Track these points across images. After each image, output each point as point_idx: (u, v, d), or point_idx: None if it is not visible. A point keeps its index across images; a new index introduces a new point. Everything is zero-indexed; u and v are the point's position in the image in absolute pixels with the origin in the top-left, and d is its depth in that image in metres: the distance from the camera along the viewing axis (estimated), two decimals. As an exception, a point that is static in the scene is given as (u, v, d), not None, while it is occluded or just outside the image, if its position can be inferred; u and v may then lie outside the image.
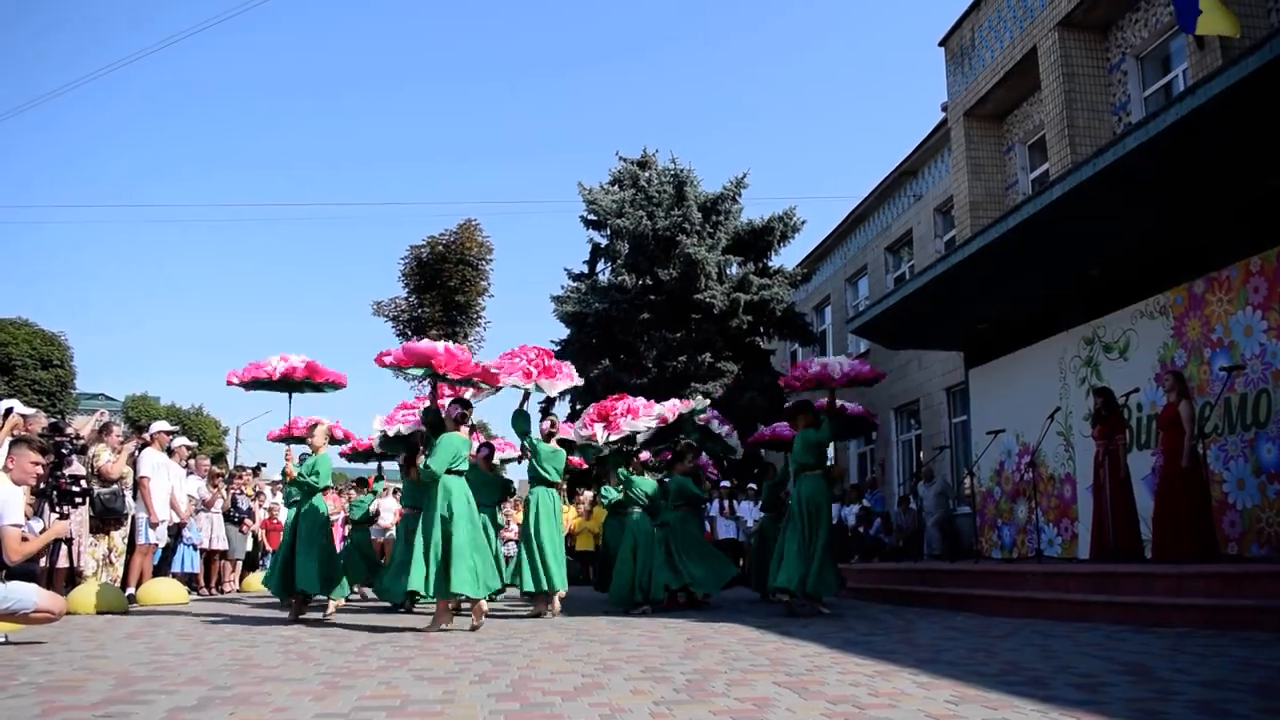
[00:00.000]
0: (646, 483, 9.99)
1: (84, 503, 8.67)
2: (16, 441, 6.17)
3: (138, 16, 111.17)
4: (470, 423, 8.07)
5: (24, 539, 5.86)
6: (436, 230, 29.26)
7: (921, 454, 18.81)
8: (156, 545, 10.51)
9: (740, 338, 21.46)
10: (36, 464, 6.11)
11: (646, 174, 23.68)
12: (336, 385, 9.30)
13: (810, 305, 25.12)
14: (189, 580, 11.68)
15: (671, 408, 9.91)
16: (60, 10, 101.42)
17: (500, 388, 8.99)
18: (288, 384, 9.04)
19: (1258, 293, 8.79)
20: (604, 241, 24.17)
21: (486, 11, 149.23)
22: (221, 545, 12.70)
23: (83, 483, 8.60)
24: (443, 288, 28.76)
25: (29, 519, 7.40)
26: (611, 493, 10.62)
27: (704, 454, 11.31)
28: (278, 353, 8.90)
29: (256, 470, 17.12)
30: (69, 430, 9.02)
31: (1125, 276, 10.41)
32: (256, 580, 13.80)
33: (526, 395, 9.06)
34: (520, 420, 8.97)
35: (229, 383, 8.86)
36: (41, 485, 8.05)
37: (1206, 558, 7.80)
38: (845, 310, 22.81)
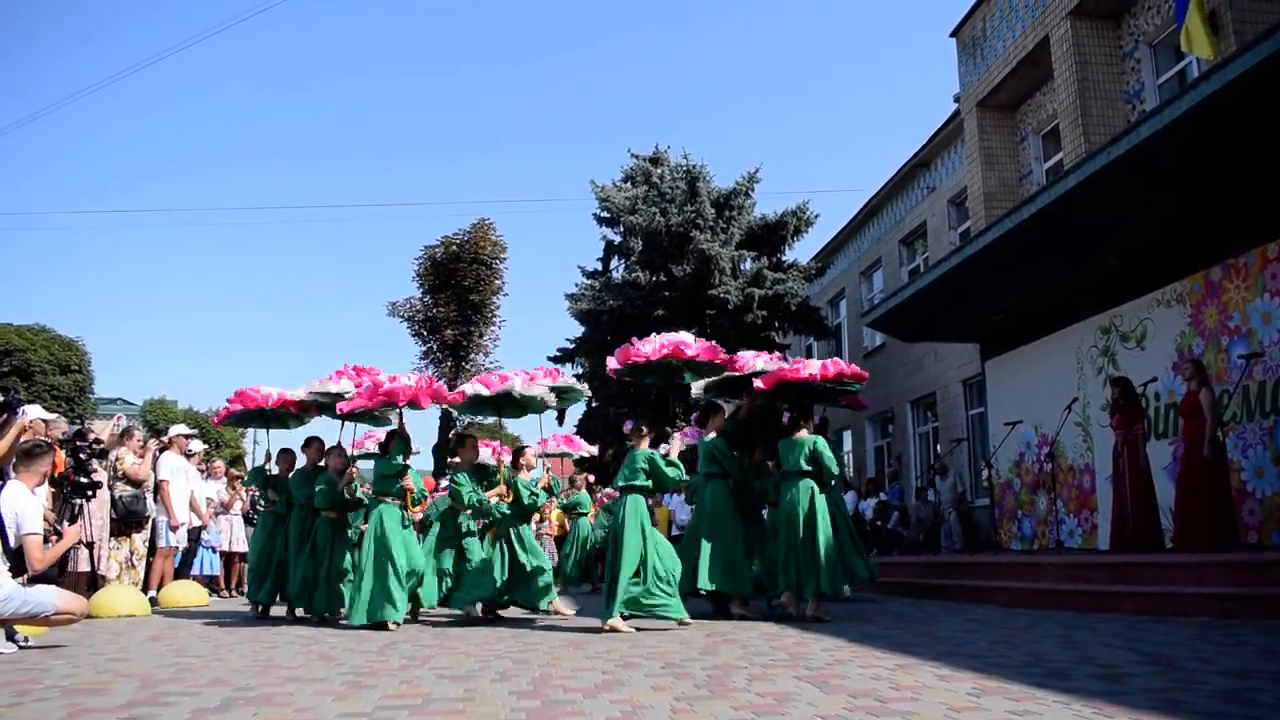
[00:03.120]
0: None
1: (94, 495, 8.67)
2: (25, 454, 6.17)
3: (151, 18, 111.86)
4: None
5: (46, 538, 5.90)
6: (450, 230, 29.39)
7: (938, 446, 18.75)
8: (177, 548, 10.59)
9: (755, 333, 21.43)
10: (46, 464, 6.17)
11: (659, 170, 23.68)
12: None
13: (825, 299, 25.07)
14: (209, 582, 11.76)
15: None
16: (64, 10, 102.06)
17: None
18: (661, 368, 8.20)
19: (1275, 279, 8.73)
20: (617, 238, 24.18)
21: (492, 6, 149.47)
22: (241, 547, 12.77)
23: (94, 475, 8.60)
24: (457, 287, 28.79)
25: (55, 522, 7.44)
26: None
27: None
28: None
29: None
30: (91, 435, 9.08)
31: (1141, 265, 10.35)
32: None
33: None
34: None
35: (610, 373, 8.47)
36: (63, 488, 8.11)
37: (1227, 547, 7.76)
38: (860, 304, 22.76)
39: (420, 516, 10.59)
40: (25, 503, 5.79)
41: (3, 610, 5.56)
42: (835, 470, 7.53)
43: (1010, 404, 13.06)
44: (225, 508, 12.44)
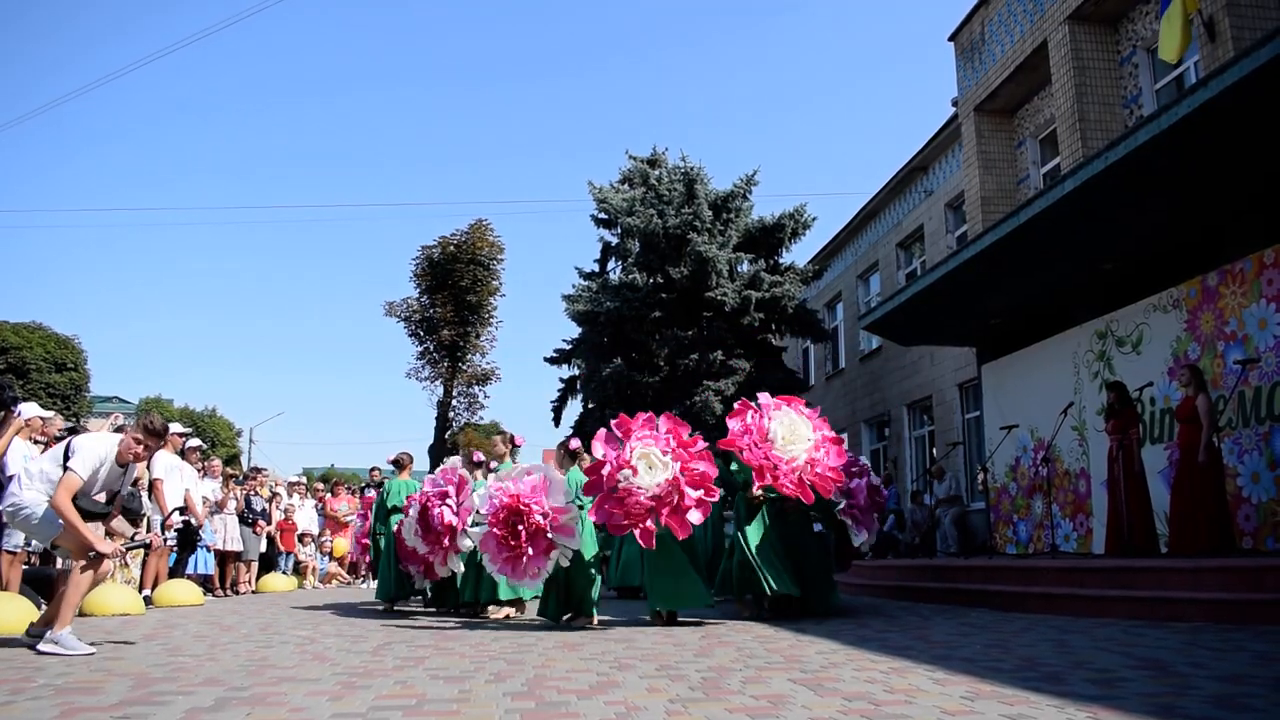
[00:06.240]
0: None
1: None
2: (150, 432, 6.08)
3: (153, 16, 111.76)
4: None
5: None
6: (448, 230, 29.45)
7: (934, 450, 18.75)
8: (172, 547, 10.56)
9: (752, 335, 21.43)
10: (140, 442, 6.01)
11: (656, 172, 23.63)
12: None
13: (822, 302, 25.07)
14: (204, 582, 11.74)
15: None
16: (65, 12, 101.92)
17: None
18: None
19: (1271, 285, 8.74)
20: (615, 240, 24.16)
21: (495, 10, 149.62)
22: (236, 546, 12.76)
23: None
24: (454, 288, 28.83)
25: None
26: None
27: None
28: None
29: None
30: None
31: (1137, 270, 10.37)
32: (272, 581, 13.89)
33: None
34: None
35: None
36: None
37: (1223, 552, 7.77)
38: (857, 307, 22.78)
39: None
40: (86, 444, 5.67)
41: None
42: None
43: (1006, 408, 13.07)
44: (220, 507, 12.42)
